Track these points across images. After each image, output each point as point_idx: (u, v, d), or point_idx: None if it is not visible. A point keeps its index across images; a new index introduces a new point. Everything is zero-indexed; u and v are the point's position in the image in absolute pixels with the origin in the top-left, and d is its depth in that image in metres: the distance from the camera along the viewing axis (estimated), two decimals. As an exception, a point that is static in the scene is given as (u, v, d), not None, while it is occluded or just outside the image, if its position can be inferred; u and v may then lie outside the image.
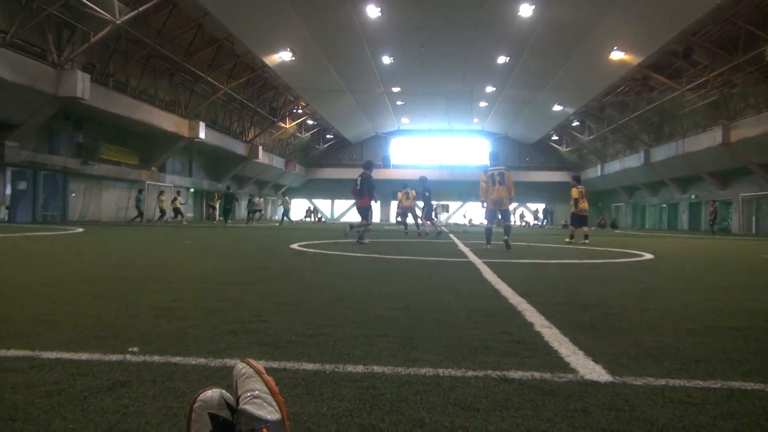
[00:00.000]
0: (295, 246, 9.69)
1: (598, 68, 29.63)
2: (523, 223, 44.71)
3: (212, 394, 1.06)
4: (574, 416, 1.56)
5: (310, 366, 2.02)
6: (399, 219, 18.43)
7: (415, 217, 17.20)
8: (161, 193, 26.83)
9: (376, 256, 8.05)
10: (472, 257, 7.75)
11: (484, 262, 6.79)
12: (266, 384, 1.10)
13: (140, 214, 25.95)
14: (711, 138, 28.23)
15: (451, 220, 49.56)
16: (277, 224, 27.42)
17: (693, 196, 35.58)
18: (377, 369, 2.00)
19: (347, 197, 57.16)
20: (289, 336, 2.50)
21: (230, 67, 29.76)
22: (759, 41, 21.94)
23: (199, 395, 1.06)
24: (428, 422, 1.50)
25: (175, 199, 27.34)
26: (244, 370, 1.12)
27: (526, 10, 24.66)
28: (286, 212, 28.54)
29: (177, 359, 2.08)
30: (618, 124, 37.27)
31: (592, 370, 2.02)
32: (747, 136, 25.44)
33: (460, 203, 54.23)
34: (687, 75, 27.49)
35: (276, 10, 23.99)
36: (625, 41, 26.22)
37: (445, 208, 48.69)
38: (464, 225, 39.63)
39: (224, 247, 9.80)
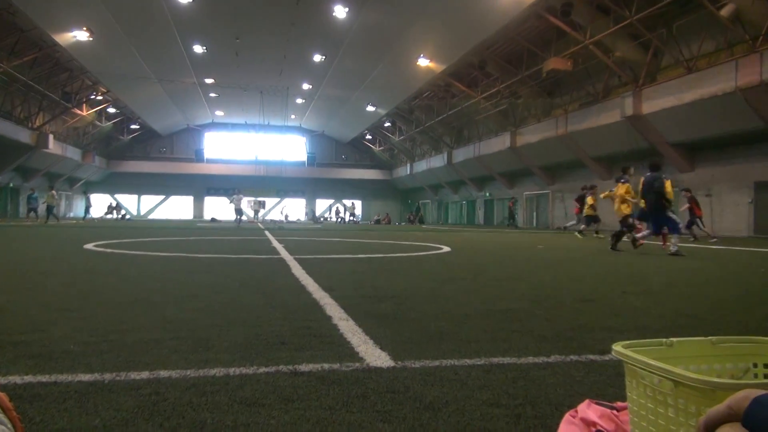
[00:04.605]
0: (90, 246, 8.81)
1: (406, 73, 31.49)
2: (338, 220, 45.79)
3: (-72, 417, 0.93)
4: (353, 402, 1.66)
5: (86, 377, 1.87)
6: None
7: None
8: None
9: (183, 255, 7.66)
10: (284, 254, 7.77)
11: (295, 258, 6.85)
12: None
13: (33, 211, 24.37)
14: (501, 142, 31.70)
15: (268, 217, 48.98)
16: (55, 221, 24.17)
17: (487, 194, 39.63)
18: (164, 374, 1.92)
19: (155, 192, 53.52)
20: (66, 346, 2.28)
21: (11, 42, 25.90)
22: (538, 59, 25.17)
23: None
24: (210, 423, 1.48)
25: None
26: None
27: (340, 12, 25.27)
28: (49, 208, 25.18)
29: None
30: (424, 127, 40.02)
31: (377, 358, 2.17)
32: (529, 142, 29.04)
33: (277, 199, 53.89)
34: (482, 85, 30.49)
35: (68, -17, 21.47)
36: (430, 50, 28.25)
37: (262, 205, 47.96)
38: (281, 221, 39.42)
39: None
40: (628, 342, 1.21)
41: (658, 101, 19.98)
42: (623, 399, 1.43)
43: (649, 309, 3.58)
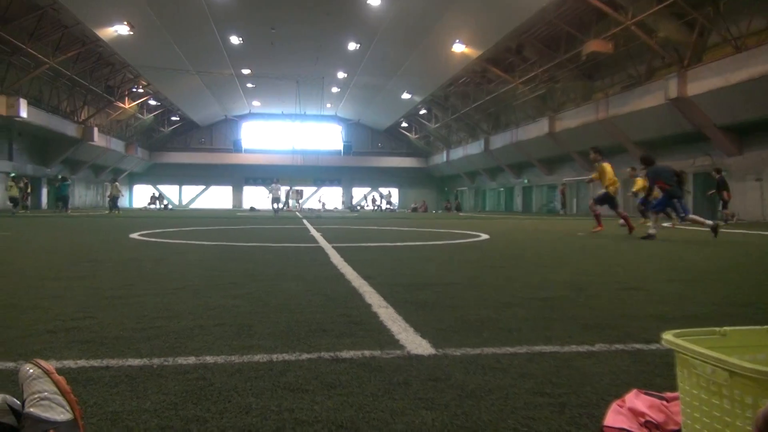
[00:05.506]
0: (135, 235, 9.08)
1: (442, 59, 31.20)
2: (375, 208, 45.92)
3: (-7, 399, 0.98)
4: (395, 389, 1.67)
5: (136, 362, 1.93)
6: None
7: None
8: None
9: (224, 243, 7.82)
10: (322, 242, 7.83)
11: (333, 247, 6.91)
12: (56, 384, 1.04)
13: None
14: (539, 128, 31.15)
15: (306, 206, 49.46)
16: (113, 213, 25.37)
17: (526, 181, 39.07)
18: (210, 359, 1.97)
19: (196, 182, 54.70)
20: (116, 331, 2.36)
21: (56, 38, 26.75)
22: (577, 42, 24.56)
23: (-23, 402, 0.98)
24: (255, 408, 1.51)
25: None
26: (31, 371, 1.05)
27: (374, -1, 25.19)
28: (114, 199, 26.37)
29: (-22, 365, 1.87)
30: (461, 113, 39.65)
31: (418, 345, 2.17)
32: (568, 127, 28.45)
33: (314, 188, 54.36)
34: (519, 69, 29.97)
35: (109, -21, 21.99)
36: (466, 35, 27.89)
37: (300, 194, 48.50)
38: (318, 210, 39.76)
39: (52, 239, 8.88)
40: (678, 331, 1.18)
41: (704, 82, 19.27)
42: (672, 389, 1.39)
43: (696, 297, 3.48)
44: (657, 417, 1.31)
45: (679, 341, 1.11)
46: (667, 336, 1.14)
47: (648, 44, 21.77)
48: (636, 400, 1.39)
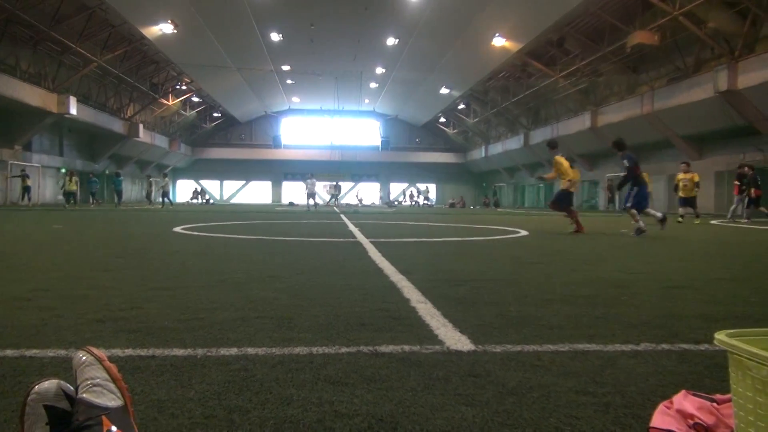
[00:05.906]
0: (178, 229, 9.30)
1: (481, 53, 30.83)
2: (413, 203, 45.85)
3: (49, 385, 1.02)
4: (435, 384, 1.66)
5: (180, 351, 1.98)
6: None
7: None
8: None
9: (263, 238, 7.94)
10: (360, 237, 7.87)
11: (371, 242, 6.93)
12: (107, 371, 1.07)
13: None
14: (581, 122, 30.49)
15: (344, 201, 49.73)
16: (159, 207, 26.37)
17: (566, 176, 38.30)
18: (251, 351, 2.00)
19: (236, 177, 55.69)
20: (161, 322, 2.42)
21: (104, 37, 27.58)
22: (621, 34, 23.90)
23: (33, 387, 1.01)
24: (296, 399, 1.53)
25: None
26: (84, 358, 1.09)
27: (413, -7, 25.07)
28: (164, 194, 27.55)
29: (32, 352, 1.95)
30: (500, 108, 39.12)
31: (457, 341, 2.16)
32: (611, 122, 27.75)
33: (352, 184, 54.58)
34: (560, 63, 29.36)
35: (154, -21, 22.53)
36: (507, 28, 27.48)
37: (338, 189, 48.81)
38: (356, 205, 39.96)
39: (100, 231, 9.18)
40: (732, 331, 1.14)
41: (756, 74, 18.50)
42: (722, 391, 1.35)
43: (747, 296, 3.35)
44: (707, 419, 1.27)
45: (733, 342, 1.07)
46: (720, 336, 1.10)
47: (696, 35, 21.02)
48: (684, 401, 1.34)
